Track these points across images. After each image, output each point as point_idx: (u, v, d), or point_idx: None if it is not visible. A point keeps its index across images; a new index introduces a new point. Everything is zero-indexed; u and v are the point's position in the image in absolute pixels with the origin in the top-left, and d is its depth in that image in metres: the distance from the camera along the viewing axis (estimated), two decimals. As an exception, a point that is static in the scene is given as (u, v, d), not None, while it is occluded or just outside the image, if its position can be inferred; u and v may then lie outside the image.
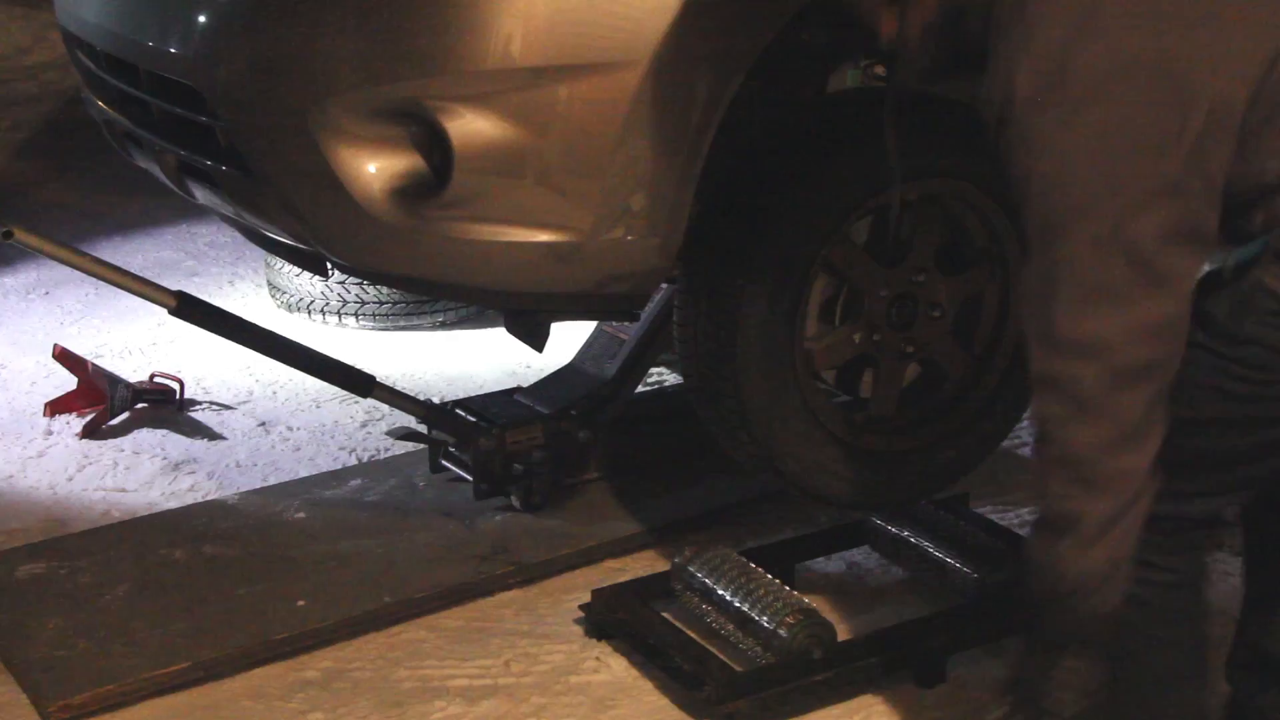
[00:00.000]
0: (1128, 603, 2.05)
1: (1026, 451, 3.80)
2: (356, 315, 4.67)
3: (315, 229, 2.76)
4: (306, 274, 4.60)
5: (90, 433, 3.94)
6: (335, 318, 4.68)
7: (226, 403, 4.16)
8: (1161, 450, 1.95)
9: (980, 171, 2.97)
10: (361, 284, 4.62)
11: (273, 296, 4.87)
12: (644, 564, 3.25)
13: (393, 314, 4.67)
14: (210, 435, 3.97)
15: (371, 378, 3.36)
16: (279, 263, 4.71)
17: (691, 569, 2.95)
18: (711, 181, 2.87)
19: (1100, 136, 1.85)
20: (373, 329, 4.68)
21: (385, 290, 4.63)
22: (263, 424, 4.02)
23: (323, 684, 2.85)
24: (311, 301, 4.69)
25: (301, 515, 3.41)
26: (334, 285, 4.64)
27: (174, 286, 3.28)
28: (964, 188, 2.99)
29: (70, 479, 3.71)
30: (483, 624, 3.05)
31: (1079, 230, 1.86)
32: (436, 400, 3.79)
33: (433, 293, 3.26)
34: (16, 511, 3.55)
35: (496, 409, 3.46)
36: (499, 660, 2.92)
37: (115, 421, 4.00)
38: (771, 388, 2.91)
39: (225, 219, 3.28)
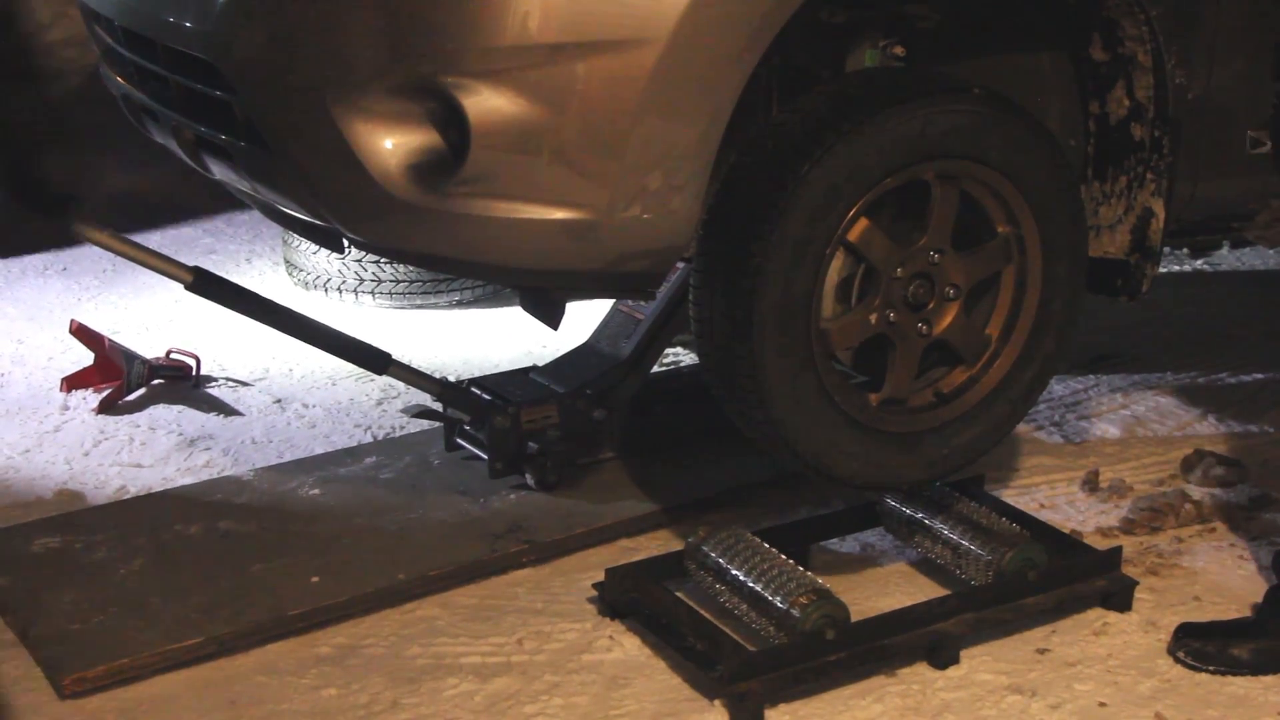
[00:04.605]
0: None
1: (1043, 435, 3.80)
2: (373, 293, 4.67)
3: (331, 205, 2.76)
4: (324, 251, 4.60)
5: (106, 408, 3.94)
6: (352, 295, 4.68)
7: (242, 379, 4.17)
8: None
9: (997, 152, 2.96)
10: (379, 262, 4.62)
11: (290, 274, 4.87)
12: (658, 543, 3.25)
13: (409, 292, 4.67)
14: (226, 411, 3.97)
15: (387, 355, 3.36)
16: (296, 240, 4.71)
17: (705, 549, 2.95)
18: (729, 159, 2.86)
19: None
20: (389, 307, 4.68)
21: (402, 268, 4.63)
22: (278, 401, 4.03)
23: (336, 660, 2.86)
24: (329, 279, 4.69)
25: (316, 492, 3.42)
26: (351, 263, 4.64)
27: (191, 263, 3.29)
28: (980, 169, 2.97)
29: (86, 454, 3.72)
30: (496, 602, 3.05)
31: None
32: (452, 378, 3.78)
33: (448, 269, 3.26)
34: (32, 486, 3.56)
35: (512, 387, 3.46)
36: (512, 638, 2.92)
37: (131, 397, 4.01)
38: (787, 368, 2.90)
39: (241, 195, 3.28)
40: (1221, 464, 3.55)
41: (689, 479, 3.46)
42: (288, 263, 4.86)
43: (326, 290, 4.70)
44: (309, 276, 4.74)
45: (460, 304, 4.72)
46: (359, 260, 4.63)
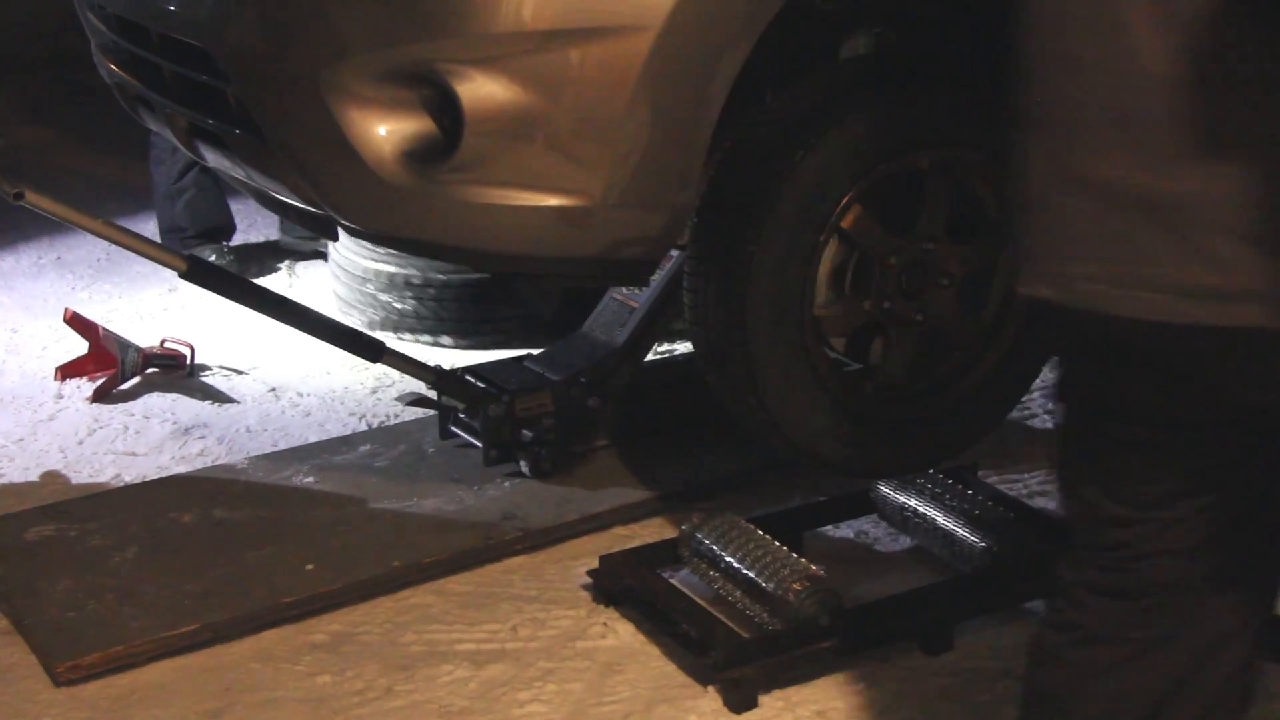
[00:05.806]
0: None
1: (1036, 422, 3.80)
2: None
3: (325, 192, 2.76)
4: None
5: (101, 397, 3.94)
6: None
7: (237, 368, 4.16)
8: None
9: (993, 140, 2.96)
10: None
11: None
12: (652, 531, 3.25)
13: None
14: (220, 400, 3.97)
15: (382, 344, 3.36)
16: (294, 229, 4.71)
17: (699, 536, 2.95)
18: (723, 147, 2.86)
19: None
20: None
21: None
22: (273, 389, 4.03)
23: (331, 647, 2.86)
24: (323, 268, 4.69)
25: (311, 480, 3.42)
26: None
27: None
28: (974, 156, 2.98)
29: (80, 442, 3.72)
30: (490, 589, 3.05)
31: None
32: (446, 366, 3.78)
33: (442, 256, 3.26)
34: (27, 474, 3.56)
35: (506, 375, 3.46)
36: (506, 625, 2.92)
37: (126, 386, 4.00)
38: (781, 355, 2.91)
39: (236, 182, 3.28)
40: (1215, 451, 3.55)
41: (683, 466, 3.45)
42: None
43: (321, 279, 4.70)
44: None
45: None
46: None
